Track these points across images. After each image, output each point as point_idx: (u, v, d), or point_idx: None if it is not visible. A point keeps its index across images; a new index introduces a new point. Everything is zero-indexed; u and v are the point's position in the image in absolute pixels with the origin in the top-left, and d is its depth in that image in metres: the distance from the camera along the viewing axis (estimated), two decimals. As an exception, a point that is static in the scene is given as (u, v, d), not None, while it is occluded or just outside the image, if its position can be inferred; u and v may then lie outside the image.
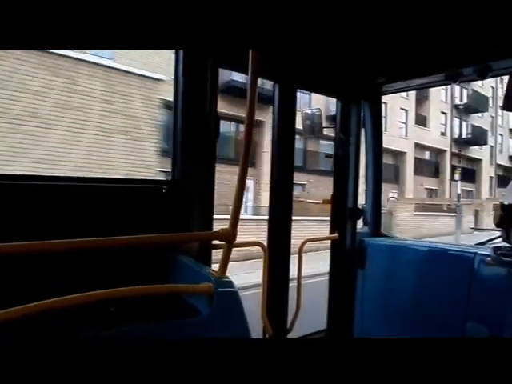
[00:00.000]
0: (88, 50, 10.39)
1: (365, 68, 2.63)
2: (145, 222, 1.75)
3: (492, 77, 2.34)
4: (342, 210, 2.81)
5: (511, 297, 1.68)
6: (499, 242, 2.23)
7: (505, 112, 32.23)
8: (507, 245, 2.07)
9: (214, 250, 1.96)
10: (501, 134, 34.83)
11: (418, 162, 28.34)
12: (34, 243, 0.94)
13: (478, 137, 30.77)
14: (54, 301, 0.94)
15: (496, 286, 2.06)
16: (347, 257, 2.82)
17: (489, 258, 2.08)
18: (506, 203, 1.97)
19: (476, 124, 30.99)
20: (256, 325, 1.95)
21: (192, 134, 1.92)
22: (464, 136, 30.59)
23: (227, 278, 1.22)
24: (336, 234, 2.80)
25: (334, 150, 2.86)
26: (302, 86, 2.64)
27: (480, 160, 32.27)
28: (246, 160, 1.14)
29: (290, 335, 2.51)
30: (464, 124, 30.55)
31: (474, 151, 31.70)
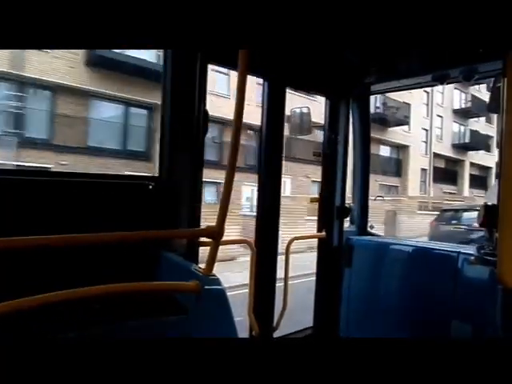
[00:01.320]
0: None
1: (354, 68, 2.64)
2: (131, 218, 1.73)
3: (478, 79, 2.38)
4: (329, 209, 2.83)
5: (494, 295, 1.71)
6: (482, 242, 2.27)
7: (446, 87, 22.37)
8: (490, 244, 2.11)
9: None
10: (440, 116, 25.63)
11: (301, 145, 14.49)
12: (16, 239, 0.92)
13: (391, 115, 21.39)
14: (37, 298, 0.92)
15: (479, 284, 2.10)
16: (334, 255, 2.84)
17: (472, 257, 2.11)
18: (489, 204, 2.01)
19: (400, 100, 21.63)
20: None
21: (180, 131, 1.90)
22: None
23: (214, 275, 1.22)
24: (323, 233, 2.82)
25: (323, 148, 2.87)
26: (292, 85, 2.65)
27: (406, 147, 24.11)
28: (234, 160, 1.14)
29: (276, 333, 2.51)
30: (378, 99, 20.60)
31: (398, 135, 23.01)
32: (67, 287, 0.99)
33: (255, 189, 2.50)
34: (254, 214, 2.55)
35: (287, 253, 2.64)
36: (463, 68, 2.30)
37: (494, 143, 27.45)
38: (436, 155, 26.02)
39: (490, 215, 1.96)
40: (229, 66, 2.29)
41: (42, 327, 1.05)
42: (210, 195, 11.92)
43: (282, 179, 2.51)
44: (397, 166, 24.43)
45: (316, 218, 2.93)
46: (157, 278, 1.59)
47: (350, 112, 2.86)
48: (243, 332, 2.28)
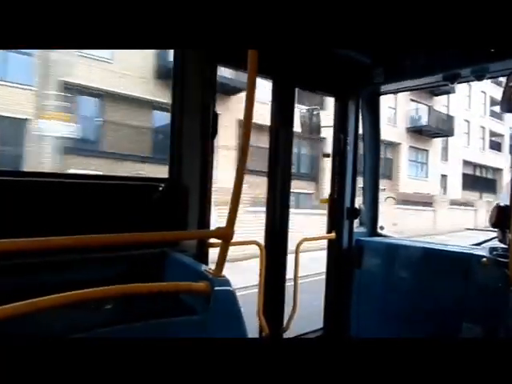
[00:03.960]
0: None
1: (363, 68, 2.63)
2: (142, 219, 1.75)
3: (490, 78, 2.35)
4: (339, 210, 2.82)
5: (506, 297, 1.69)
6: (495, 243, 2.24)
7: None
8: (503, 245, 2.08)
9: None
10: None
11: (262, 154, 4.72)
12: (31, 240, 0.93)
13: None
14: (50, 298, 0.93)
15: (491, 286, 2.07)
16: (344, 256, 2.83)
17: (484, 259, 2.09)
18: (502, 205, 1.99)
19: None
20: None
21: (189, 132, 1.92)
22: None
23: (224, 276, 1.22)
24: (333, 234, 2.81)
25: (332, 149, 2.86)
26: (300, 85, 2.64)
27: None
28: (244, 160, 1.14)
29: (286, 334, 2.51)
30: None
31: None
32: (79, 287, 1.00)
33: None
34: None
35: (297, 253, 2.64)
36: (474, 67, 2.27)
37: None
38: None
39: (502, 216, 1.93)
40: (238, 66, 2.29)
41: (52, 327, 1.06)
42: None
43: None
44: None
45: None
46: (166, 279, 1.60)
47: (360, 112, 2.85)
48: (253, 333, 2.28)
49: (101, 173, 10.12)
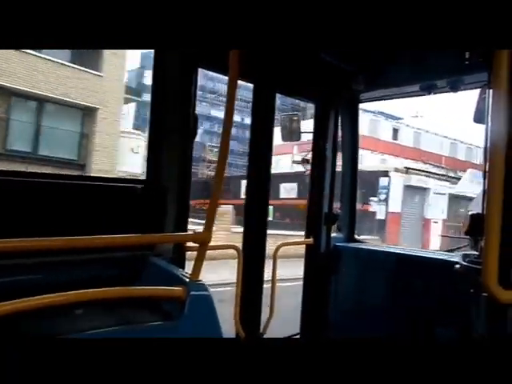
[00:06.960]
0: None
1: (343, 75, 2.67)
2: (119, 221, 1.71)
3: (465, 89, 2.43)
4: (317, 215, 2.83)
5: (478, 302, 1.74)
6: (467, 250, 2.30)
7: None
8: (475, 252, 2.13)
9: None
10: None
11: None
12: (4, 241, 0.90)
13: None
14: (20, 301, 0.90)
15: (464, 291, 2.12)
16: (321, 261, 2.85)
17: (457, 265, 2.14)
18: (474, 213, 2.04)
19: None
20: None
21: (168, 134, 1.89)
22: None
23: (201, 281, 1.21)
24: (311, 239, 2.82)
25: (312, 154, 2.89)
26: (281, 90, 2.66)
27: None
28: (223, 164, 1.13)
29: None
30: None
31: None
32: (50, 291, 0.96)
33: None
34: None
35: (275, 258, 2.64)
36: (450, 79, 2.34)
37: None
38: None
39: (475, 224, 1.99)
40: (219, 69, 2.28)
41: (22, 331, 1.02)
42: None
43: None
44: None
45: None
46: (142, 283, 1.56)
47: (339, 119, 2.88)
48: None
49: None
